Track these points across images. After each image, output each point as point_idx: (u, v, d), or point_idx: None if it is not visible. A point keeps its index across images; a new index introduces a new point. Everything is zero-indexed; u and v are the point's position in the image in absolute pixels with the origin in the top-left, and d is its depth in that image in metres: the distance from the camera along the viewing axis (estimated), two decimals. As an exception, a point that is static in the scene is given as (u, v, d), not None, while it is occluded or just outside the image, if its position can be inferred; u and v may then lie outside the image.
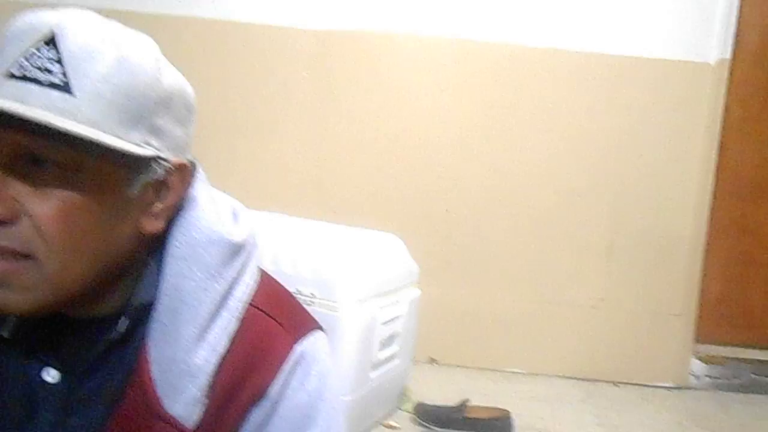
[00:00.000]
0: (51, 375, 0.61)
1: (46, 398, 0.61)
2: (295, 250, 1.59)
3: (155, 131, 0.56)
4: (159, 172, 0.57)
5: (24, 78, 0.51)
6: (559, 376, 2.29)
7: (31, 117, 0.49)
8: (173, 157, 0.58)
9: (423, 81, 2.28)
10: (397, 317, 1.76)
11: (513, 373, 2.30)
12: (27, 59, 0.52)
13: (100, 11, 0.57)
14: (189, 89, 0.60)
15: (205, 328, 0.60)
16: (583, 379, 2.29)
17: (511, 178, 2.28)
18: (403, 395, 1.92)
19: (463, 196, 2.30)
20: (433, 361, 2.31)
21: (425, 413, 1.85)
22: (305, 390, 0.65)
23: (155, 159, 0.56)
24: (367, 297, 1.61)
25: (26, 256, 0.53)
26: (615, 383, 2.29)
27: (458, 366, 2.29)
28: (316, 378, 0.66)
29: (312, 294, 1.53)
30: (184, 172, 0.60)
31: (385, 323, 1.70)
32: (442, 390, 2.05)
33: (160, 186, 0.58)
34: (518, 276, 2.31)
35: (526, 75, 2.26)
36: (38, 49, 0.52)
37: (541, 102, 2.26)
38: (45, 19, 0.53)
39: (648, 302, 2.31)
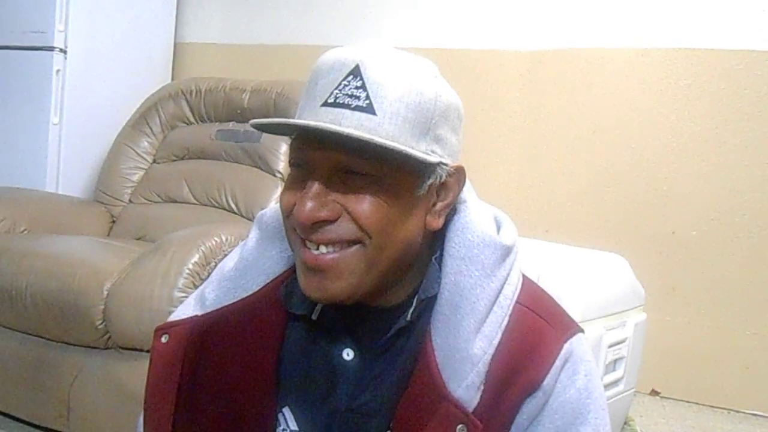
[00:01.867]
0: (349, 355, 0.71)
1: (344, 375, 0.71)
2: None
3: (438, 140, 0.65)
4: (441, 175, 0.66)
5: (336, 104, 0.62)
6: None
7: (348, 133, 0.59)
8: (451, 162, 0.67)
9: (641, 95, 2.17)
10: (623, 340, 1.67)
11: (753, 415, 2.05)
12: (339, 89, 0.62)
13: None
14: (459, 101, 0.68)
15: (482, 322, 0.66)
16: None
17: (749, 198, 2.06)
18: (626, 425, 1.81)
19: (691, 217, 2.13)
20: (655, 393, 2.15)
21: (653, 447, 1.72)
22: (575, 387, 0.68)
23: (438, 164, 0.65)
24: (593, 317, 1.56)
25: (352, 243, 0.64)
26: None
27: (685, 401, 2.10)
28: (584, 376, 0.69)
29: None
30: (460, 174, 0.69)
31: (610, 346, 1.62)
32: (669, 425, 1.90)
33: (441, 187, 0.67)
34: (755, 308, 2.06)
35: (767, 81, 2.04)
36: (347, 80, 0.62)
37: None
38: (350, 56, 0.63)
39: None
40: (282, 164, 2.04)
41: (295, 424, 0.72)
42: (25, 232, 1.85)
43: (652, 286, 1.91)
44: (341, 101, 0.62)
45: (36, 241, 1.72)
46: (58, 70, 2.29)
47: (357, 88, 0.61)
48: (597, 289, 1.62)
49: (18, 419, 1.65)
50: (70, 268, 1.53)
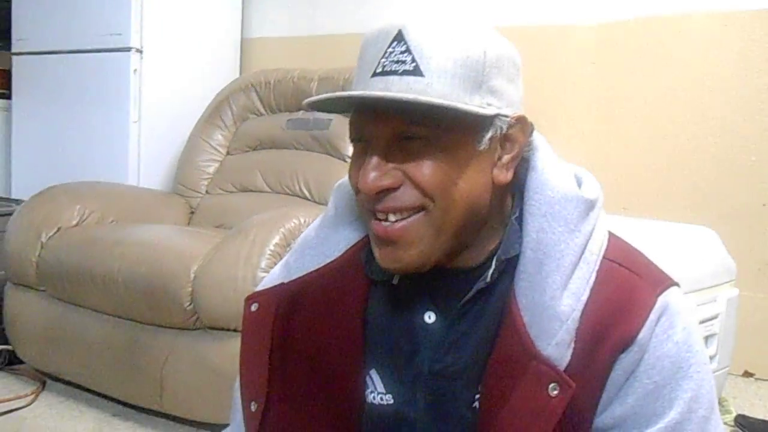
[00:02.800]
0: (430, 318, 0.71)
1: (426, 338, 0.71)
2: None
3: (493, 92, 0.64)
4: (501, 127, 0.65)
5: (384, 73, 0.62)
6: None
7: (392, 96, 0.60)
8: (511, 112, 0.65)
9: (724, 61, 2.06)
10: (714, 316, 1.60)
11: None
12: (385, 57, 0.62)
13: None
14: (513, 50, 0.67)
15: (568, 278, 0.65)
16: None
17: None
18: (720, 405, 1.73)
19: (783, 189, 2.01)
20: (749, 374, 2.04)
21: (751, 427, 1.64)
22: (672, 341, 0.65)
23: (497, 116, 0.64)
24: (683, 291, 1.50)
25: (418, 209, 0.64)
26: None
27: (782, 383, 1.99)
28: (682, 330, 0.66)
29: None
30: (524, 124, 0.67)
31: (702, 322, 1.55)
32: (766, 407, 1.80)
33: (505, 139, 0.66)
34: None
35: None
36: (392, 47, 0.62)
37: None
38: (392, 24, 0.63)
39: None
40: (351, 149, 2.05)
41: (382, 386, 0.73)
42: (113, 222, 1.93)
43: (742, 262, 1.81)
44: (389, 69, 0.62)
45: (125, 230, 1.80)
46: (135, 70, 2.38)
47: (402, 52, 0.62)
48: (687, 263, 1.55)
49: (114, 399, 1.74)
50: (158, 253, 1.60)
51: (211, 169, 2.30)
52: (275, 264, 1.45)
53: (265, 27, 2.86)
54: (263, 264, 1.45)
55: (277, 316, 0.75)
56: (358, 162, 0.66)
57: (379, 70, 0.62)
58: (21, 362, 1.91)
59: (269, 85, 2.28)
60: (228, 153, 2.31)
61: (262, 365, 0.75)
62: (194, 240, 1.67)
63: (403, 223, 0.64)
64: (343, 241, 0.75)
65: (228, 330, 1.47)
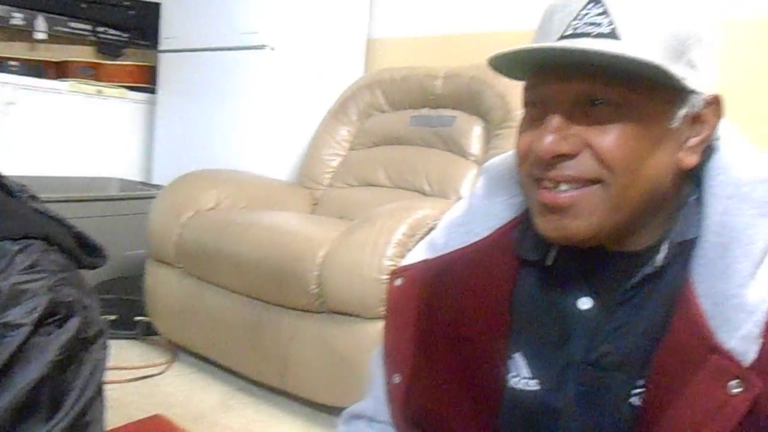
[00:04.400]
0: (585, 304, 0.67)
1: (580, 325, 0.67)
2: None
3: (692, 65, 0.58)
4: (696, 105, 0.59)
5: (575, 35, 0.58)
6: None
7: (597, 50, 0.55)
8: (707, 91, 0.60)
9: None
10: None
11: None
12: (578, 20, 0.58)
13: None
14: (713, 27, 0.61)
15: (757, 266, 0.58)
16: None
17: None
18: None
19: None
20: None
21: None
22: None
23: (693, 92, 0.59)
24: None
25: (593, 181, 0.60)
26: None
27: None
28: None
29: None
30: (718, 106, 0.61)
31: None
32: None
33: (696, 120, 0.61)
34: None
35: None
36: (587, 9, 0.58)
37: None
38: None
39: None
40: (474, 147, 2.03)
41: (528, 371, 0.70)
42: (244, 208, 2.04)
43: None
44: (581, 31, 0.58)
45: (255, 214, 1.89)
46: (267, 67, 2.50)
47: (598, 15, 0.58)
48: None
49: (239, 374, 1.82)
50: (287, 237, 1.66)
51: (335, 163, 2.36)
52: (401, 252, 1.47)
53: (389, 28, 2.91)
54: (389, 252, 1.46)
55: (422, 291, 0.75)
56: (530, 127, 0.63)
57: (569, 32, 0.59)
58: (156, 333, 2.05)
59: (394, 82, 2.31)
60: (351, 148, 2.37)
61: (406, 339, 0.75)
62: (321, 227, 1.72)
63: (574, 193, 0.61)
64: (492, 219, 0.74)
65: (352, 315, 1.50)
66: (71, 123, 2.84)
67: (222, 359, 1.85)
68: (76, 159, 2.84)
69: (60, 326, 0.64)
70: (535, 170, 0.63)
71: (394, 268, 0.81)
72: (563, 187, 0.61)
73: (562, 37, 0.60)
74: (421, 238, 1.51)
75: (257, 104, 2.50)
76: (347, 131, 2.39)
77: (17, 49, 3.03)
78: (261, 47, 2.50)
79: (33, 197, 0.75)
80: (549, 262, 0.69)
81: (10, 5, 2.95)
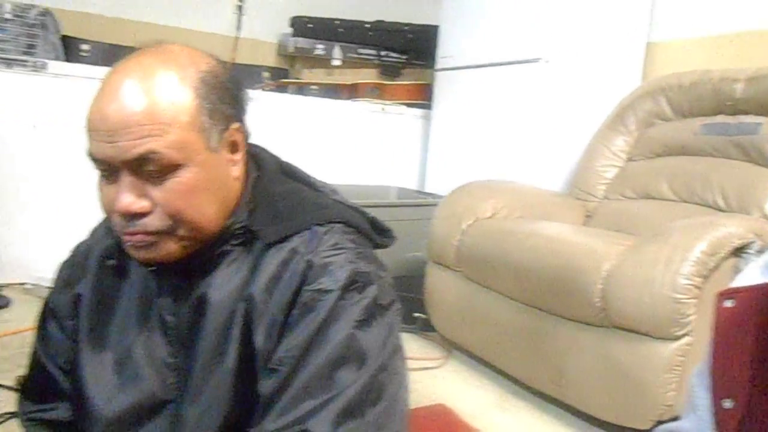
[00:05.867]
0: None
1: None
2: None
3: None
4: None
5: None
6: None
7: None
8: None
9: None
10: None
11: None
12: None
13: None
14: None
15: None
16: None
17: None
18: None
19: None
20: None
21: None
22: None
23: None
24: None
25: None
26: None
27: None
28: None
29: None
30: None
31: None
32: None
33: None
34: None
35: None
36: None
37: None
38: None
39: None
40: (784, 158, 1.80)
41: None
42: (520, 218, 2.10)
43: None
44: None
45: (534, 224, 1.94)
46: (541, 80, 2.53)
47: None
48: None
49: (513, 379, 1.89)
50: (569, 248, 1.67)
51: (610, 175, 2.30)
52: (700, 271, 1.39)
53: (671, 29, 2.72)
54: (685, 270, 1.39)
55: (759, 316, 0.71)
56: None
57: None
58: (432, 330, 2.22)
59: (682, 88, 2.17)
60: (629, 159, 2.28)
61: (742, 363, 0.72)
62: (602, 240, 1.70)
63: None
64: None
65: (639, 333, 1.46)
66: (359, 138, 3.23)
67: (495, 360, 1.93)
68: (361, 169, 3.22)
69: (360, 292, 0.77)
70: None
71: (722, 289, 0.78)
72: None
73: None
74: (725, 259, 1.41)
75: (530, 116, 2.55)
76: (624, 141, 2.31)
77: (317, 75, 3.54)
78: (536, 60, 2.55)
79: (334, 191, 0.91)
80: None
81: (313, 38, 3.47)
